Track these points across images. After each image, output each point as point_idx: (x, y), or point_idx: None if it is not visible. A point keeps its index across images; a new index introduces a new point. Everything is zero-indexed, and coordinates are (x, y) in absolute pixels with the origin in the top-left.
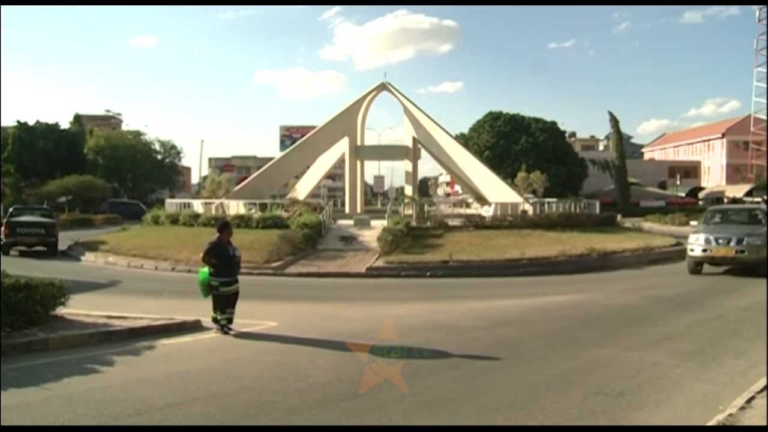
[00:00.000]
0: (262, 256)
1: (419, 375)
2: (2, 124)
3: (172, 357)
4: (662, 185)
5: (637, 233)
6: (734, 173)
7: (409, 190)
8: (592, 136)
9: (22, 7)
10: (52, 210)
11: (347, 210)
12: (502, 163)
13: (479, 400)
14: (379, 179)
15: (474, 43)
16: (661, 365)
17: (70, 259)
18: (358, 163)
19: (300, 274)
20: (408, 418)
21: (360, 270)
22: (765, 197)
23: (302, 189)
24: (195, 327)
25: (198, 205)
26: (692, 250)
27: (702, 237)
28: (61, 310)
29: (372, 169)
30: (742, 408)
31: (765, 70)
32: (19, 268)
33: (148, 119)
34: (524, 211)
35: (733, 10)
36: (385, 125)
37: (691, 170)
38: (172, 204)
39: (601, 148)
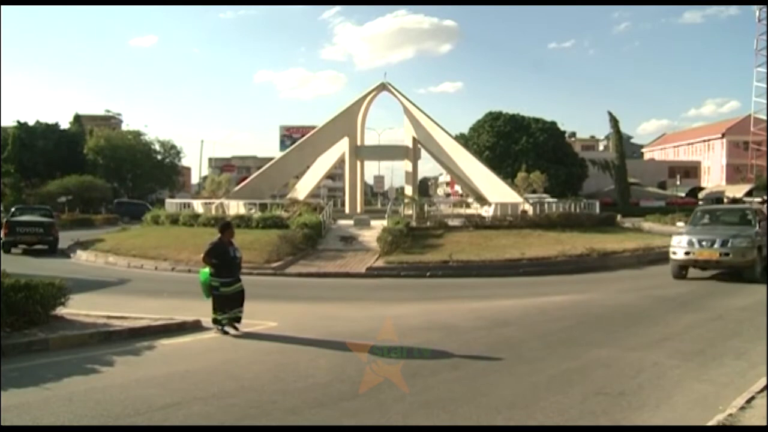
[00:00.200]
0: (262, 256)
1: (419, 375)
2: (2, 124)
3: (172, 357)
4: (662, 185)
5: (637, 233)
6: (734, 173)
7: (409, 190)
8: (592, 136)
9: (22, 7)
10: (52, 210)
11: (347, 210)
12: (502, 163)
13: (479, 400)
14: (379, 179)
15: (474, 43)
16: (661, 365)
17: (70, 258)
18: (358, 163)
19: (300, 274)
20: (408, 418)
21: (360, 270)
22: (765, 197)
23: (302, 189)
24: (195, 327)
25: (198, 206)
26: (674, 253)
27: (684, 239)
28: (61, 310)
29: (372, 169)
30: (742, 408)
31: (765, 70)
32: (21, 266)
33: (148, 119)
34: (524, 211)
35: (733, 10)
36: (385, 125)
37: (691, 170)
38: (172, 204)
39: (601, 148)
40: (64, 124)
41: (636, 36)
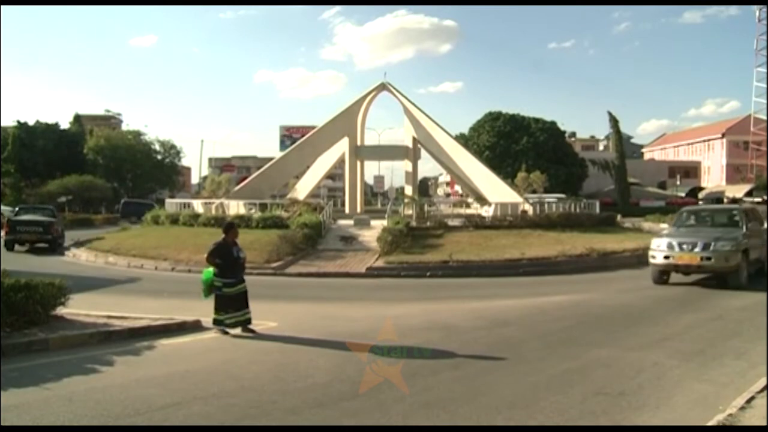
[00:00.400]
0: (262, 256)
1: (419, 375)
2: (2, 124)
3: (172, 357)
4: (662, 185)
5: (637, 233)
6: (734, 173)
7: (409, 190)
8: (592, 136)
9: (22, 7)
10: (55, 210)
11: (347, 210)
12: (502, 163)
13: (479, 400)
14: (379, 179)
15: (474, 43)
16: (661, 365)
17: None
18: (358, 163)
19: (300, 274)
20: (408, 418)
21: (360, 270)
22: (765, 197)
23: (302, 189)
24: (195, 327)
25: (198, 205)
26: (653, 257)
27: (664, 242)
28: (61, 310)
29: (372, 169)
30: (742, 408)
31: (765, 70)
32: (22, 265)
33: (148, 119)
34: (524, 211)
35: (733, 10)
36: (385, 125)
37: (691, 170)
38: (172, 204)
39: (601, 148)
40: (64, 124)
41: (636, 36)
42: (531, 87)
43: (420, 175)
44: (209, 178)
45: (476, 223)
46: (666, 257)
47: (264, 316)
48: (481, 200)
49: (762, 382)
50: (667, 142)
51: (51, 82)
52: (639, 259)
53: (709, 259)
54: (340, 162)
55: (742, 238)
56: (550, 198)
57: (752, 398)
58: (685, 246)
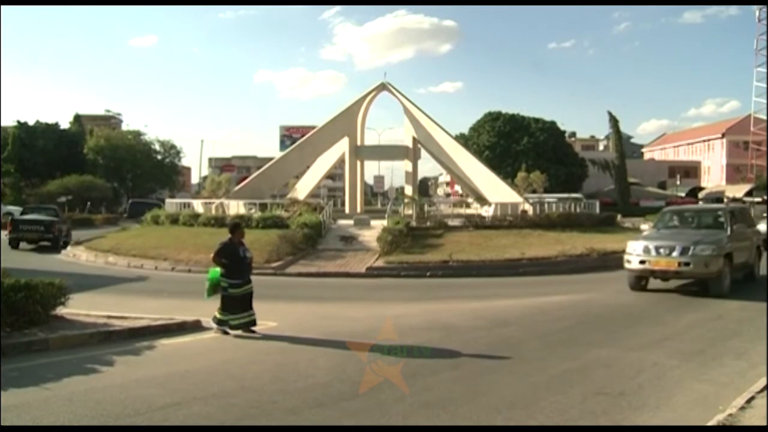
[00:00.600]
0: (262, 256)
1: (419, 375)
2: (2, 124)
3: (172, 357)
4: (662, 185)
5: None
6: (734, 173)
7: (409, 190)
8: (592, 136)
9: (22, 7)
10: (58, 210)
11: (347, 210)
12: (502, 163)
13: (479, 400)
14: (379, 179)
15: (474, 43)
16: (661, 365)
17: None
18: (358, 163)
19: (300, 274)
20: (408, 418)
21: (360, 270)
22: (765, 197)
23: (302, 189)
24: (195, 327)
25: (198, 205)
26: (629, 261)
27: (640, 245)
28: (61, 310)
29: (372, 169)
30: (742, 408)
31: (765, 70)
32: (21, 263)
33: (148, 119)
34: (524, 211)
35: (733, 10)
36: (385, 125)
37: (691, 170)
38: (172, 204)
39: (601, 148)
40: (64, 124)
41: (636, 36)
42: (531, 87)
43: (420, 175)
44: (209, 178)
45: (476, 223)
46: (642, 262)
47: (264, 316)
48: (481, 200)
49: (762, 382)
50: (667, 142)
51: (51, 82)
52: None
53: (687, 264)
54: (340, 162)
55: (726, 242)
56: (558, 197)
57: (752, 398)
58: (662, 250)
